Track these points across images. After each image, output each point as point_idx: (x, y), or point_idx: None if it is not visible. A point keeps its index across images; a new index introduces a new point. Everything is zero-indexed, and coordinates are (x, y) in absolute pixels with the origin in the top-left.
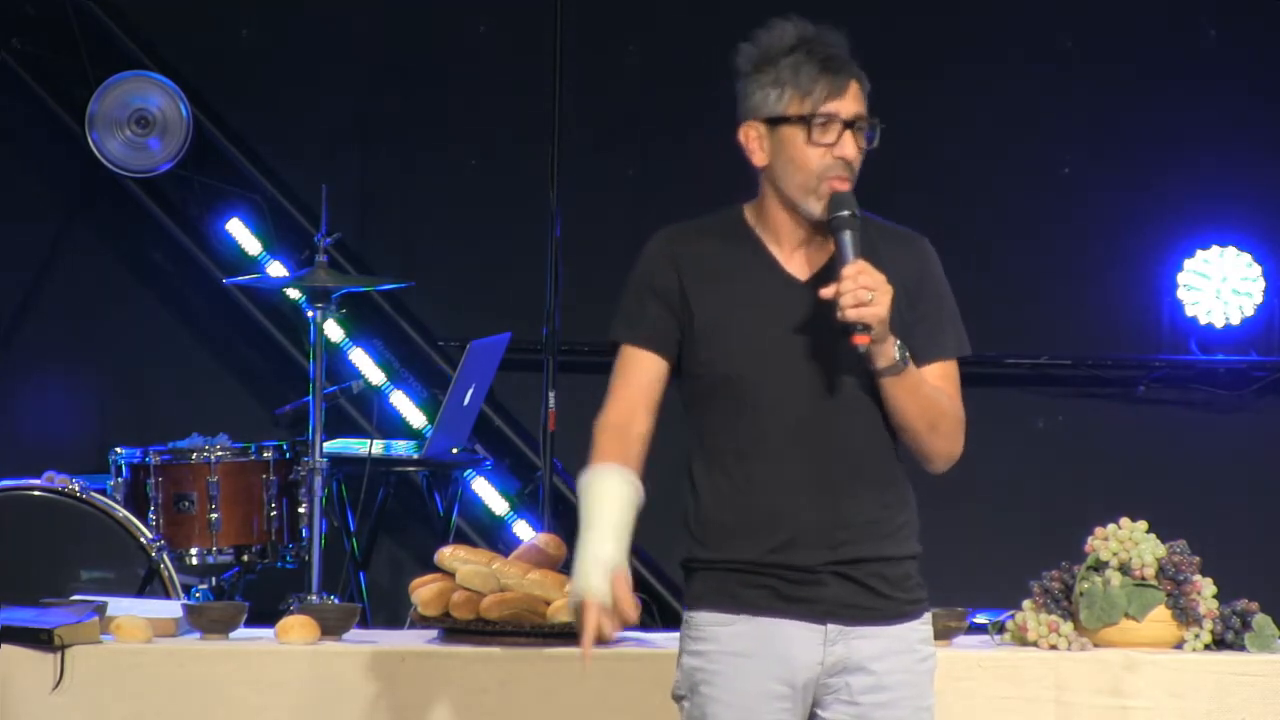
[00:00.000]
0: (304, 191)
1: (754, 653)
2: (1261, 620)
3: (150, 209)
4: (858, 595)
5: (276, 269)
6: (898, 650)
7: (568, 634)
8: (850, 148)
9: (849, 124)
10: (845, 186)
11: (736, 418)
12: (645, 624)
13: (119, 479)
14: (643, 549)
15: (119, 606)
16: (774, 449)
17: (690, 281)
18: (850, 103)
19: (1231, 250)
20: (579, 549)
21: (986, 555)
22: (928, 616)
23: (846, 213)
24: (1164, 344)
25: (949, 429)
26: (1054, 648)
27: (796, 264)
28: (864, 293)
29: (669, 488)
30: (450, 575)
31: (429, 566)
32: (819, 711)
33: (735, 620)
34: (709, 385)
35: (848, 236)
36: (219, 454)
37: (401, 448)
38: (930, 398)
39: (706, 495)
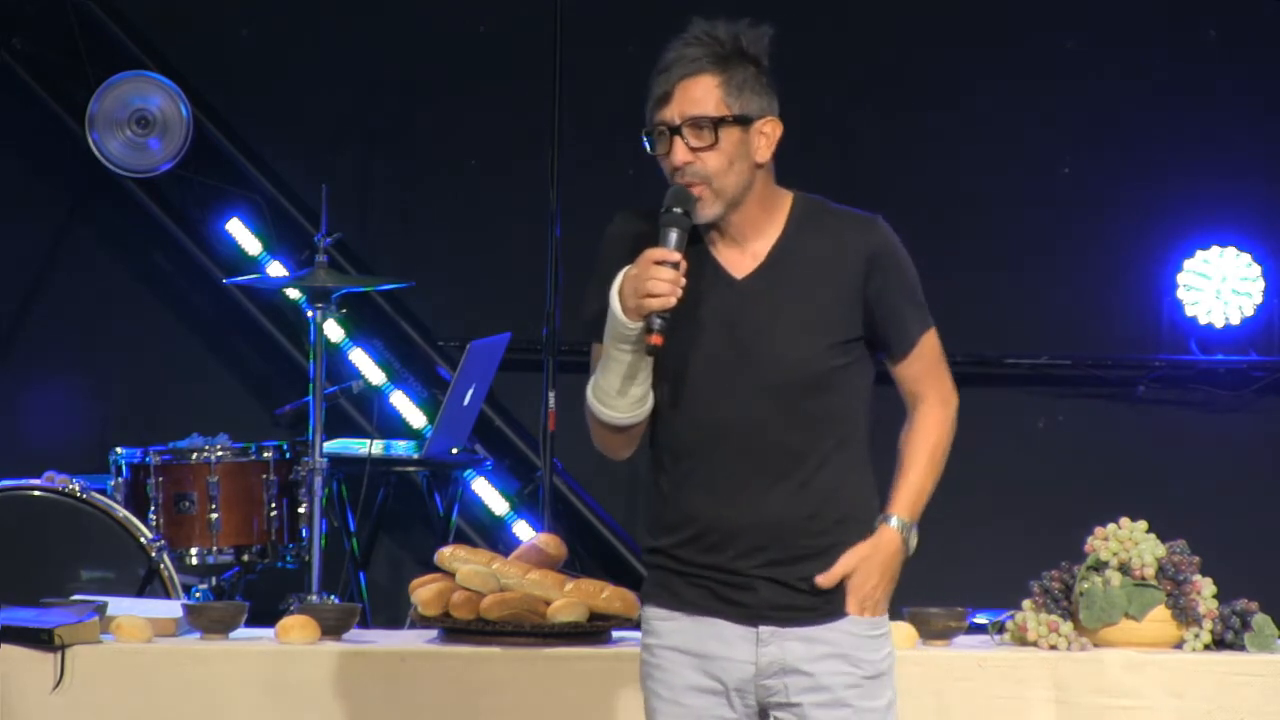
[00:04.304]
0: (304, 191)
1: (688, 648)
2: (1261, 620)
3: (150, 209)
4: (789, 597)
5: (276, 269)
6: (836, 652)
7: (568, 634)
8: (677, 153)
9: (675, 129)
10: (694, 190)
11: (672, 415)
12: None
13: (119, 479)
14: (641, 548)
15: (119, 606)
16: (703, 449)
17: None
18: (676, 106)
19: (1231, 250)
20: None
21: (986, 555)
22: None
23: (678, 210)
24: (1164, 344)
25: (947, 450)
26: (1054, 648)
27: (732, 260)
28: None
29: None
30: (450, 575)
31: (429, 566)
32: (770, 713)
33: (676, 616)
34: (655, 379)
35: (673, 234)
36: (219, 454)
37: (401, 448)
38: (931, 479)
39: (654, 491)
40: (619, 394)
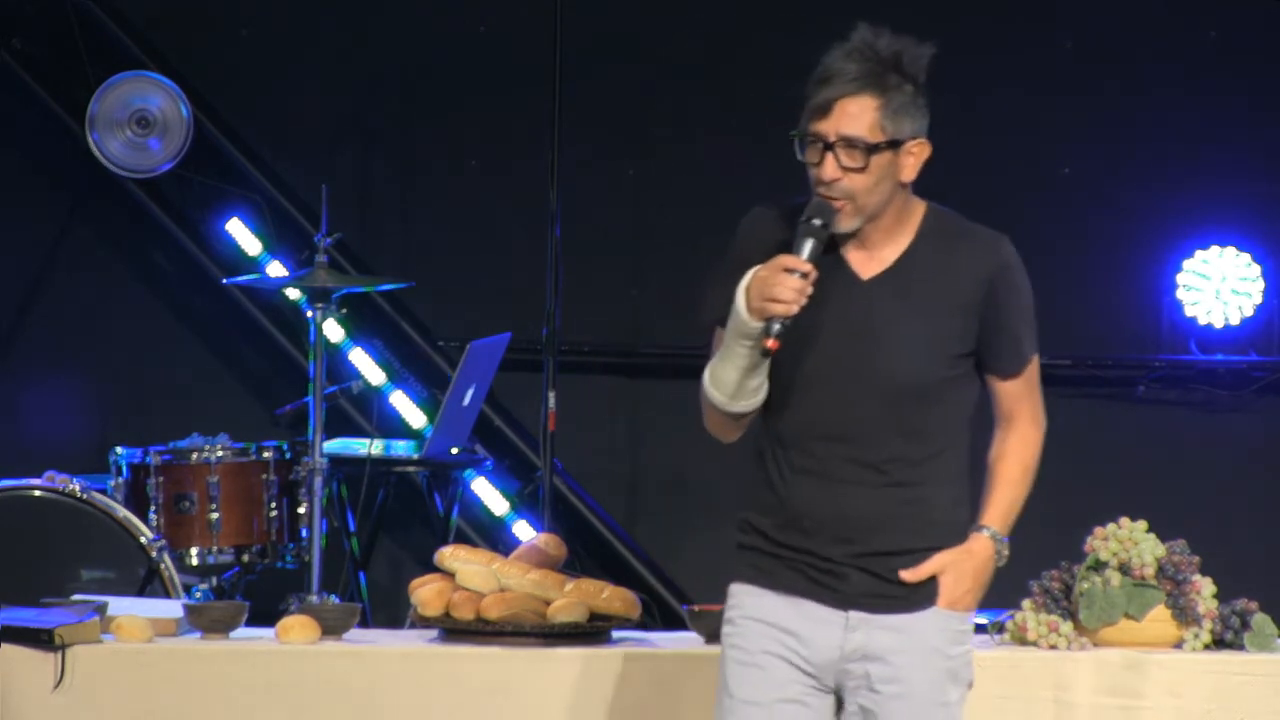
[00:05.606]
0: (304, 191)
1: (775, 622)
2: (1261, 620)
3: (150, 209)
4: (879, 586)
5: (276, 269)
6: (918, 646)
7: (568, 634)
8: (827, 168)
9: (829, 144)
10: (836, 204)
11: (783, 403)
12: (645, 624)
13: (119, 479)
14: (642, 550)
15: (119, 606)
16: (807, 440)
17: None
18: (834, 122)
19: (1231, 250)
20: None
21: None
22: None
23: (818, 222)
24: (1164, 344)
25: (1036, 469)
26: (1054, 648)
27: (860, 261)
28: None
29: (664, 493)
30: (450, 575)
31: (429, 566)
32: (845, 696)
33: (766, 594)
34: (770, 369)
35: (808, 245)
36: (219, 454)
37: (401, 448)
38: (1023, 496)
39: (756, 469)
40: (735, 385)
